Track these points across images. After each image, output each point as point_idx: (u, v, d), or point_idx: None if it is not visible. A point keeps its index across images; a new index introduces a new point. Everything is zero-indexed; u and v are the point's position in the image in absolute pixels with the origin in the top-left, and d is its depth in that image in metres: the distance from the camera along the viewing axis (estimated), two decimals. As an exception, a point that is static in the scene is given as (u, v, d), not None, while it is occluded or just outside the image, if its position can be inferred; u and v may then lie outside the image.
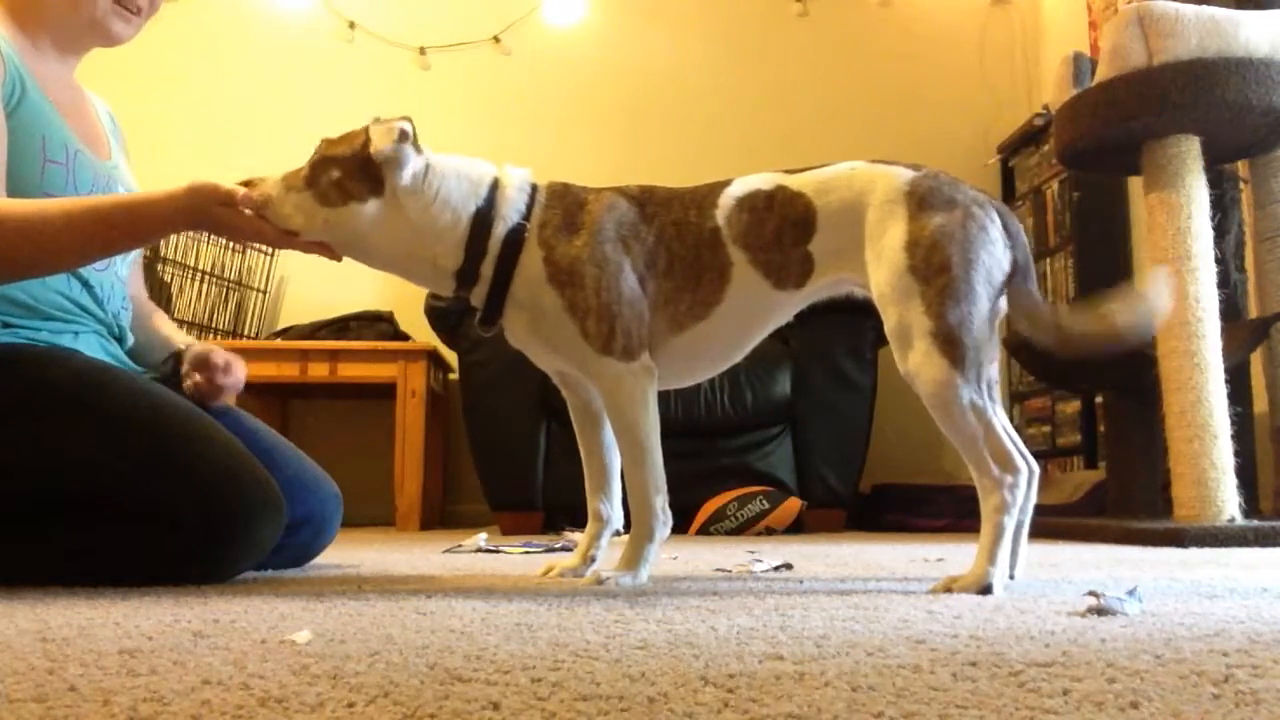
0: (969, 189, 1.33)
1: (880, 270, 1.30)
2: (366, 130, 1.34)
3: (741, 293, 1.37)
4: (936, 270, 1.25)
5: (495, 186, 1.39)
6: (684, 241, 1.37)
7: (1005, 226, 1.31)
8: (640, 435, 1.39)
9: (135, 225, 1.37)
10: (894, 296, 1.28)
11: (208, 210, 1.35)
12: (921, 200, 1.30)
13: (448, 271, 1.38)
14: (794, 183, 1.38)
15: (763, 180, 1.39)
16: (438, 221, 1.35)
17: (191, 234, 3.84)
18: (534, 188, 1.41)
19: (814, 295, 1.40)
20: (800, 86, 4.53)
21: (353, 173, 1.33)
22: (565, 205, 1.39)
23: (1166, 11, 2.33)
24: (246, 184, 1.36)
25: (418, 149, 1.35)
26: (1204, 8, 2.34)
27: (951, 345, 1.24)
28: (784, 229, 1.36)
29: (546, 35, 4.53)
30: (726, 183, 1.41)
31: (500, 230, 1.36)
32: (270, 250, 4.12)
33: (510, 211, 1.37)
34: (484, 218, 1.36)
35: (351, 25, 4.46)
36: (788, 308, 1.41)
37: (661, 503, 1.40)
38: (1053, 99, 2.70)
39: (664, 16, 4.58)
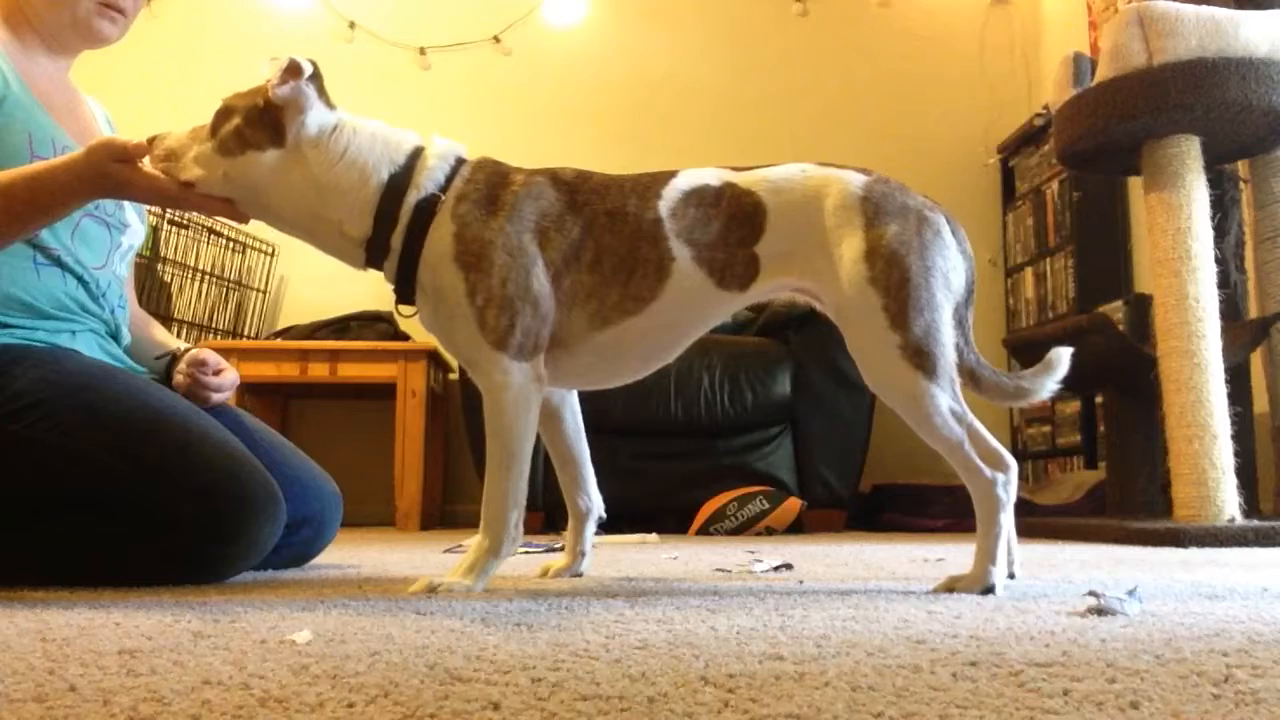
0: (918, 195, 1.31)
1: (838, 282, 1.26)
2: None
3: (681, 290, 1.29)
4: (898, 283, 1.22)
5: (416, 155, 1.31)
6: (617, 232, 1.29)
7: (954, 234, 1.29)
8: (515, 444, 1.29)
9: (35, 194, 1.33)
10: (855, 313, 1.25)
11: (105, 169, 1.30)
12: (877, 207, 1.26)
13: (355, 240, 1.31)
14: (743, 180, 1.31)
15: (711, 175, 1.33)
16: (342, 180, 1.28)
17: (189, 233, 3.84)
18: (459, 160, 1.33)
19: (755, 298, 1.33)
20: (800, 86, 4.53)
21: (253, 120, 1.28)
22: (488, 182, 1.30)
23: (1166, 11, 2.33)
24: (152, 140, 1.32)
25: (327, 102, 1.30)
26: (1204, 8, 2.34)
27: (921, 356, 1.22)
28: (731, 227, 1.29)
29: (546, 35, 4.53)
30: (672, 174, 1.34)
31: (412, 199, 1.28)
32: (270, 249, 4.12)
33: (427, 181, 1.29)
34: (397, 184, 1.29)
35: (351, 25, 4.46)
36: (727, 308, 1.34)
37: (516, 519, 1.30)
38: (1053, 99, 2.70)
39: (664, 16, 4.59)
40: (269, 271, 4.15)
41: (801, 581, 1.41)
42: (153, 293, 3.64)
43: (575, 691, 0.63)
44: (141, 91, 4.24)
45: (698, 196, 1.31)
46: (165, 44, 4.36)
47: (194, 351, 1.65)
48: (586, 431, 1.53)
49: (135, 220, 1.67)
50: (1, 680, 0.67)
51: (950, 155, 4.39)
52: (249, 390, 3.78)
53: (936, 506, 3.51)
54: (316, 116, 1.29)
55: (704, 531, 3.15)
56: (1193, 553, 1.98)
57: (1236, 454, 2.30)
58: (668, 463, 3.37)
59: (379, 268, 1.33)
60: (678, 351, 1.39)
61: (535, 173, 1.33)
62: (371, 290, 3.84)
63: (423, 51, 4.47)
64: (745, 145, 4.38)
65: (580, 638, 0.85)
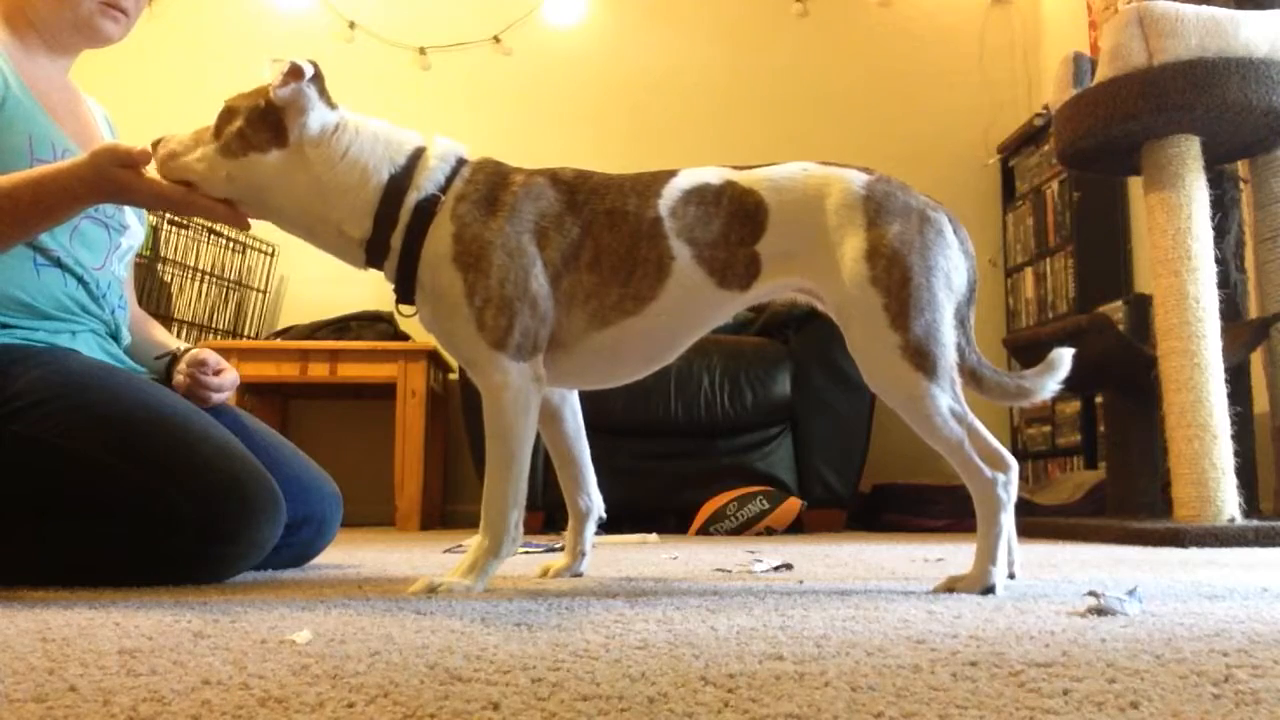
0: (920, 195, 1.30)
1: (839, 281, 1.25)
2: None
3: (682, 289, 1.29)
4: (899, 282, 1.22)
5: (417, 155, 1.31)
6: (617, 232, 1.29)
7: (956, 233, 1.29)
8: (514, 444, 1.30)
9: (40, 198, 1.32)
10: (856, 313, 1.24)
11: (109, 174, 1.31)
12: (879, 206, 1.26)
13: (355, 240, 1.31)
14: (744, 179, 1.31)
15: (711, 174, 1.32)
16: (343, 180, 1.28)
17: (189, 233, 3.84)
18: (460, 161, 1.33)
19: (756, 298, 1.33)
20: (800, 86, 4.54)
21: (255, 121, 1.28)
22: (488, 182, 1.30)
23: (1166, 11, 2.33)
24: (156, 143, 1.32)
25: (329, 102, 1.30)
26: (1204, 8, 2.34)
27: (921, 356, 1.22)
28: (732, 226, 1.29)
29: (546, 35, 4.53)
30: (672, 173, 1.34)
31: (412, 199, 1.29)
32: (270, 250, 4.12)
33: (427, 181, 1.29)
34: (398, 185, 1.29)
35: (351, 25, 4.46)
36: (728, 309, 1.33)
37: (516, 519, 1.30)
38: (1053, 99, 2.70)
39: (664, 16, 4.59)
40: (269, 271, 4.15)
41: (801, 581, 1.41)
42: (153, 293, 3.64)
43: (575, 691, 0.63)
44: (142, 92, 4.24)
45: (698, 195, 1.31)
46: (166, 44, 4.36)
47: (194, 351, 1.66)
48: (586, 431, 1.53)
49: (134, 222, 1.67)
50: (1, 680, 0.67)
51: (950, 155, 4.39)
52: (249, 390, 3.78)
53: (936, 506, 3.51)
54: (318, 117, 1.29)
55: (704, 531, 3.15)
56: (1193, 553, 1.98)
57: (1236, 454, 2.30)
58: (668, 463, 3.37)
59: (379, 268, 1.33)
60: (678, 352, 1.38)
61: (535, 173, 1.33)
62: (371, 290, 3.85)
63: (423, 51, 4.48)
64: (745, 145, 4.38)
65: (580, 638, 0.85)
